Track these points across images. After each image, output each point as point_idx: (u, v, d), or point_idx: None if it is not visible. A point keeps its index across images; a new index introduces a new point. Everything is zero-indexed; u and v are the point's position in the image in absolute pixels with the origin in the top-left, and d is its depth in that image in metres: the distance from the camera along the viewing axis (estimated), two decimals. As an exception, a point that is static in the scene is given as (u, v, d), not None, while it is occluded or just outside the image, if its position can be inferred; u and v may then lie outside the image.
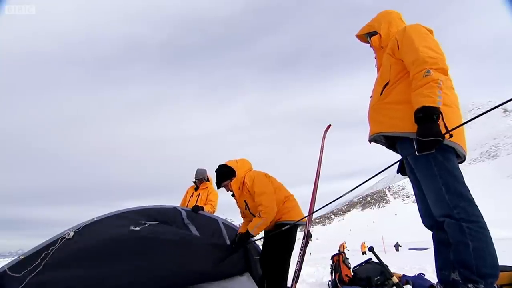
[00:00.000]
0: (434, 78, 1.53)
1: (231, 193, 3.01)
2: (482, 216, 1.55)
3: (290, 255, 2.84)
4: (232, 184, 2.92)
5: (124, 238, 2.35)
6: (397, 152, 1.94)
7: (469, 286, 1.47)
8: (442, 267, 1.71)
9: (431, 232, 1.83)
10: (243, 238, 2.84)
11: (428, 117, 1.48)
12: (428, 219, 1.80)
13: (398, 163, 1.98)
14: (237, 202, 3.04)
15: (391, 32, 1.94)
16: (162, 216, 2.88)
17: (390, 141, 1.90)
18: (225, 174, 2.96)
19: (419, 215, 1.90)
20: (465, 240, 1.49)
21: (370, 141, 1.95)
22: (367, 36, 2.11)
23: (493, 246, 1.52)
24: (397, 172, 2.07)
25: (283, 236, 2.76)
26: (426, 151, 1.49)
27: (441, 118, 1.48)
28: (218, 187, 3.01)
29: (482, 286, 1.45)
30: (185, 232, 2.85)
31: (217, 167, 3.03)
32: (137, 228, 2.48)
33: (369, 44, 2.15)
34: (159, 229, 2.63)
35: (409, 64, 1.66)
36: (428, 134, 1.46)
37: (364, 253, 26.60)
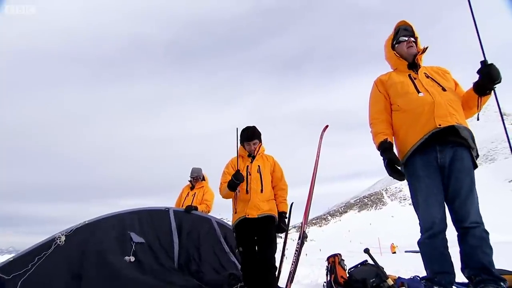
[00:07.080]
0: None
1: (246, 154, 2.97)
2: None
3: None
4: (261, 148, 3.03)
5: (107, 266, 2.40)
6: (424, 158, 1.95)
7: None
8: (462, 268, 1.89)
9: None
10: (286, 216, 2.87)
11: None
12: (441, 224, 1.91)
13: (387, 164, 1.98)
14: (237, 165, 2.88)
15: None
16: (152, 219, 2.88)
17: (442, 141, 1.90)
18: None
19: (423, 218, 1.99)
20: (488, 247, 1.79)
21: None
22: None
23: None
24: (391, 174, 2.01)
25: (273, 229, 2.81)
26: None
27: None
28: (252, 138, 2.95)
29: (504, 285, 1.70)
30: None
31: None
32: (126, 258, 2.56)
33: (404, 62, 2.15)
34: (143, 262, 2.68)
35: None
36: None
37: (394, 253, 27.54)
